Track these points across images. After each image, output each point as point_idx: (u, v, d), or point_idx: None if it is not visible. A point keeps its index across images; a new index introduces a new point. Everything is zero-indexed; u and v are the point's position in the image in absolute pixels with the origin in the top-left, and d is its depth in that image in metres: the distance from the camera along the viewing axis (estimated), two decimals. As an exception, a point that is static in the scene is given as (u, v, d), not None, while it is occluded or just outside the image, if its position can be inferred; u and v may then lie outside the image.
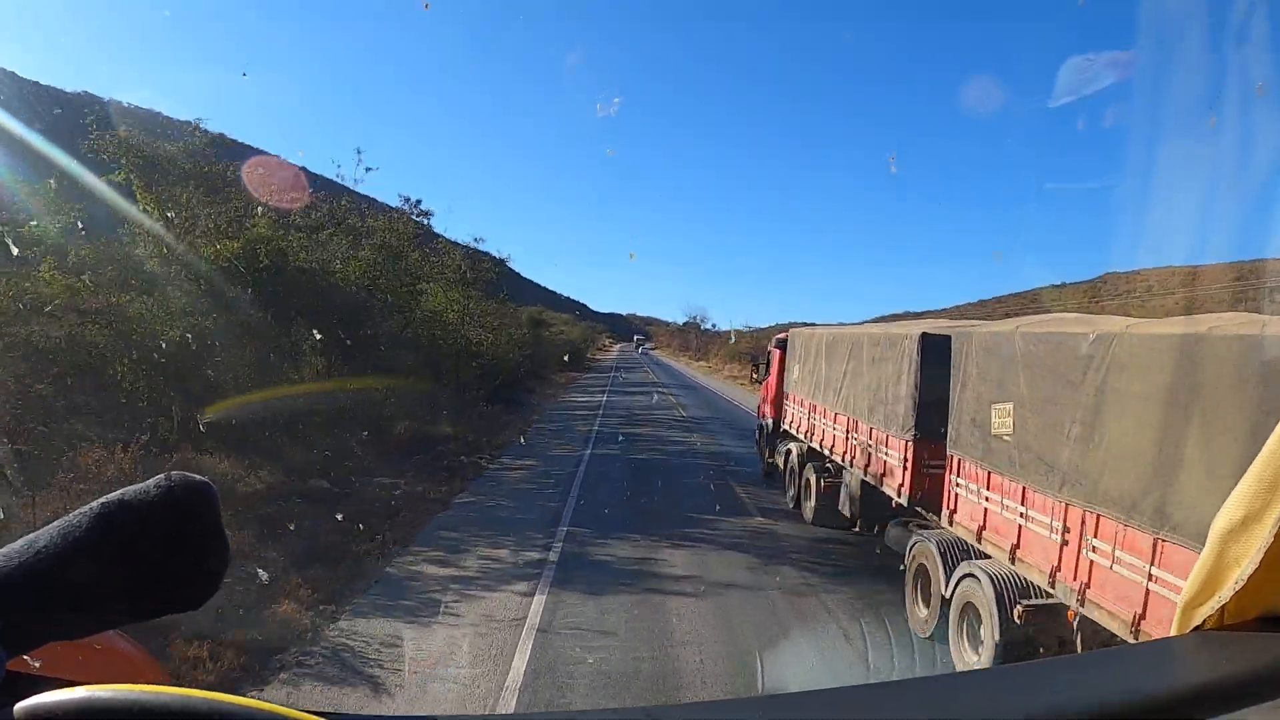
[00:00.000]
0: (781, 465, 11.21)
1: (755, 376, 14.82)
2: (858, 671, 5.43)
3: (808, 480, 9.75)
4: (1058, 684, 0.67)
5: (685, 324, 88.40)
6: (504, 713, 4.56)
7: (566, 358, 38.73)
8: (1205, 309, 25.63)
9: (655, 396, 28.80)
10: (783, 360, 11.66)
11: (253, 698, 0.44)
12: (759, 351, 15.20)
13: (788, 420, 11.15)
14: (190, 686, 0.43)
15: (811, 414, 10.01)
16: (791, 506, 10.29)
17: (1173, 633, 0.77)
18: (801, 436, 10.37)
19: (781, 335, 12.21)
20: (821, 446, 9.43)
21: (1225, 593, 0.72)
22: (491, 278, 21.95)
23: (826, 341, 9.63)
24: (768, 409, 12.38)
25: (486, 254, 23.93)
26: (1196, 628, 0.74)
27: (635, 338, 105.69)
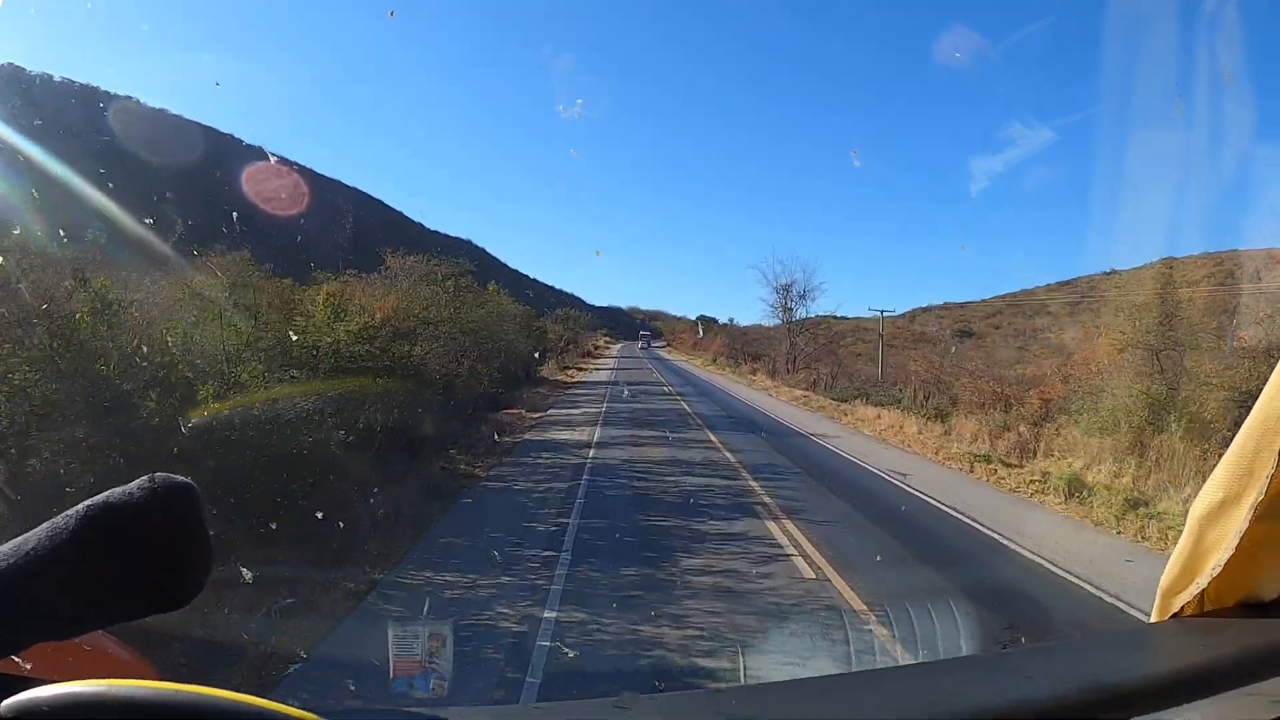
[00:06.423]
0: None
1: None
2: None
3: None
4: (1033, 671, 0.67)
5: (701, 319, 55.94)
6: (501, 706, 4.59)
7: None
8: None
9: None
10: None
11: (231, 691, 0.45)
12: None
13: None
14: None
15: None
16: None
17: (1152, 620, 0.77)
18: None
19: None
20: None
21: (1203, 579, 0.71)
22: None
23: None
24: None
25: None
26: (1176, 614, 0.75)
27: (641, 334, 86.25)
